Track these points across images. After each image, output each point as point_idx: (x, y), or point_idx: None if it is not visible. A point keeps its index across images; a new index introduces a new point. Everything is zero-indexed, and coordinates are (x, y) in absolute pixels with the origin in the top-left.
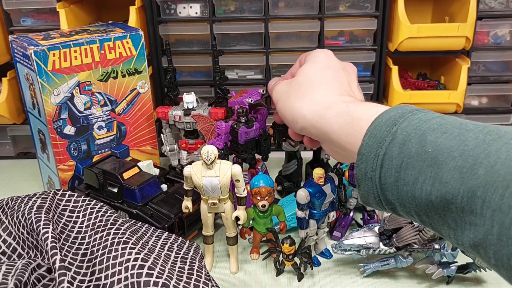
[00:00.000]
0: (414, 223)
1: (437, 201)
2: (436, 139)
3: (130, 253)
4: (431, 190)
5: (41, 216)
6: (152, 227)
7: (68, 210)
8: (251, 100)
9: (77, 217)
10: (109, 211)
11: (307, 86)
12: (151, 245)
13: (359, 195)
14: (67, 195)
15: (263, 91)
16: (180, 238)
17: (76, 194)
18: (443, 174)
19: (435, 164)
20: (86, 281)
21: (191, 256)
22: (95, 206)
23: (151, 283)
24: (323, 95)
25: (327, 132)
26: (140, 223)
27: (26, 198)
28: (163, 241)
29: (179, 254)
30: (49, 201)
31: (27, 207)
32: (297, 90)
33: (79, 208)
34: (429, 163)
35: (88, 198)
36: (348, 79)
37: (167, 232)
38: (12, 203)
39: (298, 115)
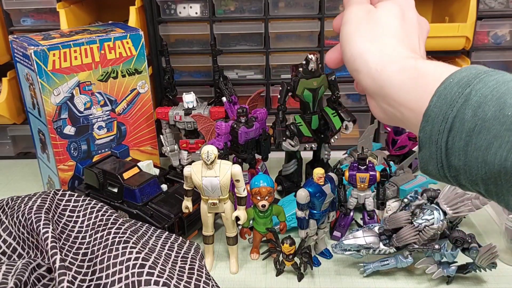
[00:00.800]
0: (414, 223)
1: None
2: None
3: (130, 253)
4: (506, 155)
5: (41, 216)
6: (152, 227)
7: (68, 210)
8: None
9: (77, 217)
10: (109, 211)
11: (382, 30)
12: (152, 244)
13: (418, 161)
14: (67, 195)
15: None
16: (181, 238)
17: (76, 194)
18: None
19: None
20: (87, 281)
21: (191, 255)
22: (95, 206)
23: (152, 282)
24: (393, 48)
25: (385, 86)
26: (140, 223)
27: (26, 198)
28: (163, 240)
29: (180, 253)
30: (49, 201)
31: (27, 207)
32: (371, 29)
33: (79, 208)
34: (507, 127)
35: (88, 198)
36: (420, 36)
37: (167, 232)
38: (12, 203)
39: (359, 56)
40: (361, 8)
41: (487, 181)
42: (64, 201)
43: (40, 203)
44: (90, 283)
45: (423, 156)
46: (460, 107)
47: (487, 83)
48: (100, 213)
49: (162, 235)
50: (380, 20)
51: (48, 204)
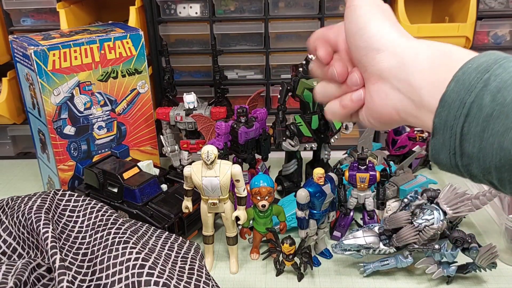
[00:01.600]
0: (414, 223)
1: None
2: None
3: (130, 253)
4: None
5: (41, 216)
6: (152, 227)
7: (68, 210)
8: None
9: (77, 217)
10: (109, 211)
11: (392, 15)
12: (152, 244)
13: (430, 149)
14: (67, 195)
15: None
16: (180, 238)
17: (76, 194)
18: None
19: None
20: (87, 281)
21: (191, 255)
22: (95, 206)
23: (152, 282)
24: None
25: (409, 64)
26: (140, 223)
27: (26, 198)
28: (163, 241)
29: (180, 253)
30: (49, 201)
31: (27, 207)
32: (384, 11)
33: (79, 208)
34: None
35: (88, 198)
36: None
37: (167, 232)
38: (12, 203)
39: (385, 34)
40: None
41: (501, 168)
42: (64, 201)
43: (40, 203)
44: (90, 283)
45: (435, 143)
46: (478, 92)
47: (507, 69)
48: (100, 213)
49: (162, 235)
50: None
51: (48, 204)
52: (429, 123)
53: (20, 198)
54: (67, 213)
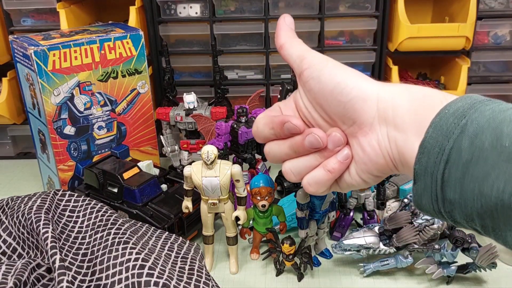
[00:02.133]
0: (414, 223)
1: (510, 201)
2: None
3: (130, 253)
4: (504, 187)
5: (41, 216)
6: (152, 227)
7: (68, 210)
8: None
9: (77, 217)
10: (109, 211)
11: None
12: (152, 245)
13: (412, 195)
14: (67, 195)
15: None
16: (180, 238)
17: (76, 194)
18: None
19: None
20: (87, 281)
21: (191, 256)
22: (95, 206)
23: (152, 283)
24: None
25: (395, 105)
26: (140, 223)
27: (26, 198)
28: (163, 241)
29: (180, 254)
30: (49, 201)
31: (27, 207)
32: (341, 64)
33: (79, 208)
34: (505, 158)
35: (88, 198)
36: None
37: (167, 232)
38: (12, 203)
39: (354, 82)
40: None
41: (483, 215)
42: (64, 201)
43: (40, 203)
44: (90, 283)
45: (417, 189)
46: (456, 138)
47: (483, 112)
48: (100, 213)
49: (162, 236)
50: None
51: (48, 204)
52: None
53: (20, 198)
54: (67, 213)
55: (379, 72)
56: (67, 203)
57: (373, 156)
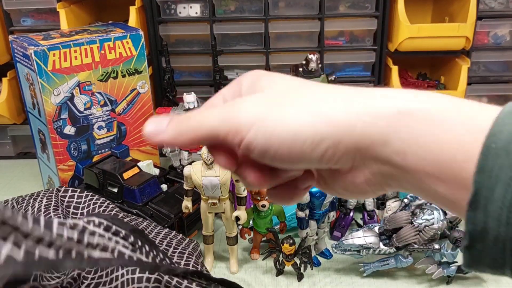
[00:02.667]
0: (414, 223)
1: None
2: None
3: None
4: None
5: (50, 214)
6: (153, 223)
7: (72, 207)
8: None
9: (82, 214)
10: (110, 206)
11: (307, 88)
12: None
13: (464, 258)
14: (69, 191)
15: None
16: (180, 235)
17: (78, 190)
18: None
19: None
20: (89, 278)
21: (188, 252)
22: (97, 201)
23: (144, 279)
24: (352, 94)
25: (388, 140)
26: (141, 219)
27: (32, 200)
28: (162, 236)
29: (177, 249)
30: (54, 198)
31: (35, 209)
32: (293, 94)
33: (83, 204)
34: None
35: (91, 193)
36: None
37: (167, 229)
38: (18, 206)
39: (311, 124)
40: (242, 99)
41: None
42: (67, 197)
43: (46, 202)
44: (92, 281)
45: (473, 254)
46: None
47: None
48: (101, 209)
49: (162, 231)
50: (291, 87)
51: (54, 201)
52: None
53: (25, 201)
54: (71, 210)
55: (379, 72)
56: (71, 199)
57: (363, 189)
